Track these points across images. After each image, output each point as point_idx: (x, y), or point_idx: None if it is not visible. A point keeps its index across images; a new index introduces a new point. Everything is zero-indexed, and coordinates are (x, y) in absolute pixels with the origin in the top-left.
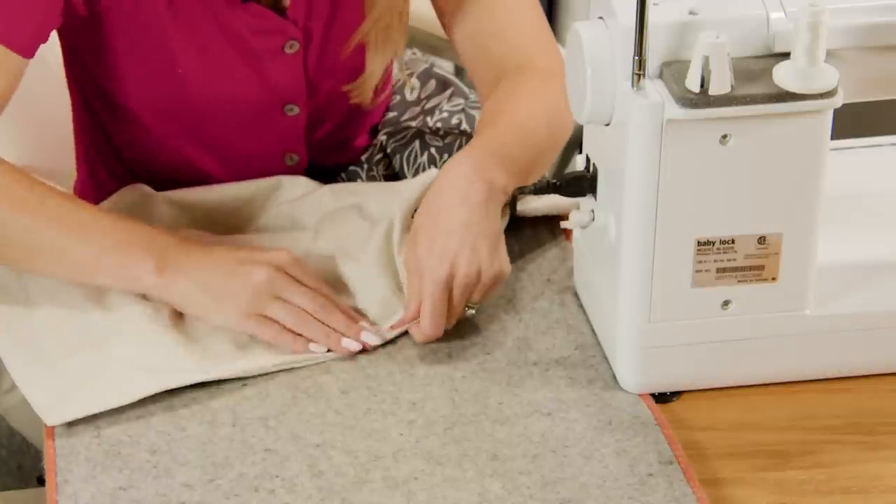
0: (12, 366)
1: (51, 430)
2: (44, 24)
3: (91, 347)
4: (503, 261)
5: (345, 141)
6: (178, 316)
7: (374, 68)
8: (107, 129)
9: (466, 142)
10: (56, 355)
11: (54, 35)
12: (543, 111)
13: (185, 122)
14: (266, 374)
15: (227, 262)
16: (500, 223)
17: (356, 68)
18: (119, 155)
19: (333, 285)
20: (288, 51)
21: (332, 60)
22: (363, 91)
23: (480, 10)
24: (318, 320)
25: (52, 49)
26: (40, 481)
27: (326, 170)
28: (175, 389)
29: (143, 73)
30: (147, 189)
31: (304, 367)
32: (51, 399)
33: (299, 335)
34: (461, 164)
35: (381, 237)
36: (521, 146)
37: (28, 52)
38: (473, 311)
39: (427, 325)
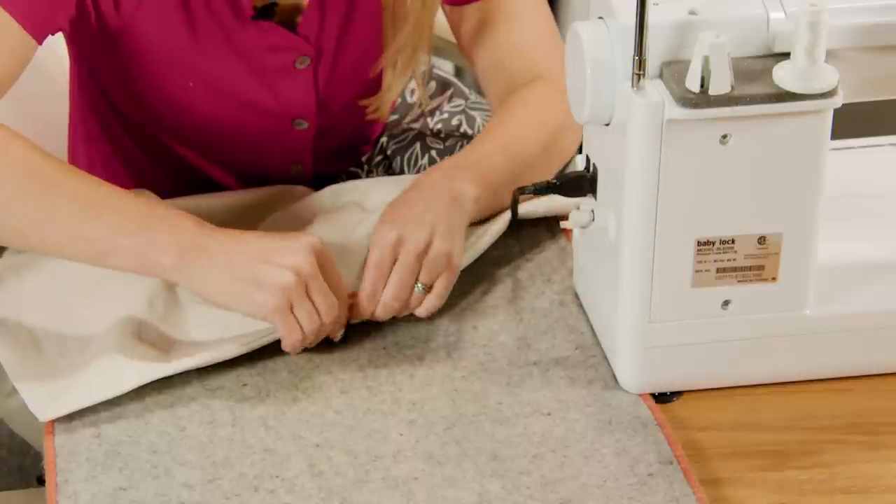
0: (7, 363)
1: (50, 430)
2: (53, 12)
3: (82, 344)
4: (457, 248)
5: (351, 150)
6: (171, 311)
7: (392, 86)
8: (113, 136)
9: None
10: (49, 353)
11: (52, 39)
12: (540, 128)
13: (193, 134)
14: (266, 374)
15: (258, 247)
16: (463, 223)
17: (367, 83)
18: (123, 160)
19: None
20: (299, 66)
21: (343, 75)
22: (381, 107)
23: (496, 27)
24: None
25: (51, 52)
26: (40, 481)
27: (330, 177)
28: (175, 389)
29: (155, 87)
30: (148, 196)
31: (303, 367)
32: (44, 396)
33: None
34: (432, 172)
35: (371, 224)
36: (505, 161)
37: (38, 34)
38: (421, 289)
39: (368, 287)
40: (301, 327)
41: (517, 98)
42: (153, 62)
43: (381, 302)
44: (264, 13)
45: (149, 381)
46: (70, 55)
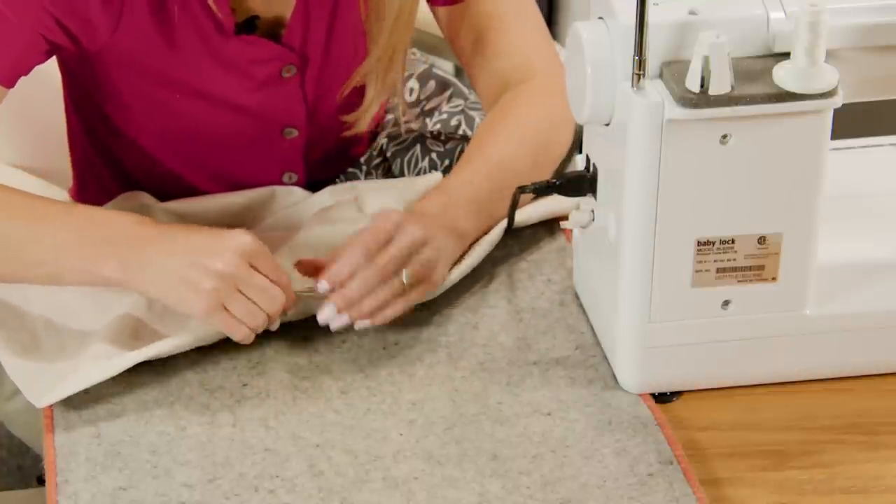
0: (4, 357)
1: (50, 430)
2: (25, 59)
3: (80, 340)
4: (441, 267)
5: (342, 155)
6: (169, 311)
7: (372, 101)
8: (105, 147)
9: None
10: (48, 348)
11: None
12: (529, 141)
13: (183, 146)
14: (266, 374)
15: (190, 251)
16: (455, 255)
17: (356, 91)
18: (116, 170)
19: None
20: (285, 75)
21: (332, 82)
22: (360, 122)
23: (485, 28)
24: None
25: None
26: (40, 481)
27: (324, 182)
28: (175, 389)
29: (142, 101)
30: (146, 198)
31: (303, 367)
32: (40, 383)
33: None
34: (430, 206)
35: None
36: (496, 186)
37: (8, 82)
38: (407, 277)
39: (343, 265)
40: (245, 322)
41: (505, 104)
42: (139, 78)
43: (359, 276)
44: (247, 27)
45: (142, 359)
46: (61, 72)
